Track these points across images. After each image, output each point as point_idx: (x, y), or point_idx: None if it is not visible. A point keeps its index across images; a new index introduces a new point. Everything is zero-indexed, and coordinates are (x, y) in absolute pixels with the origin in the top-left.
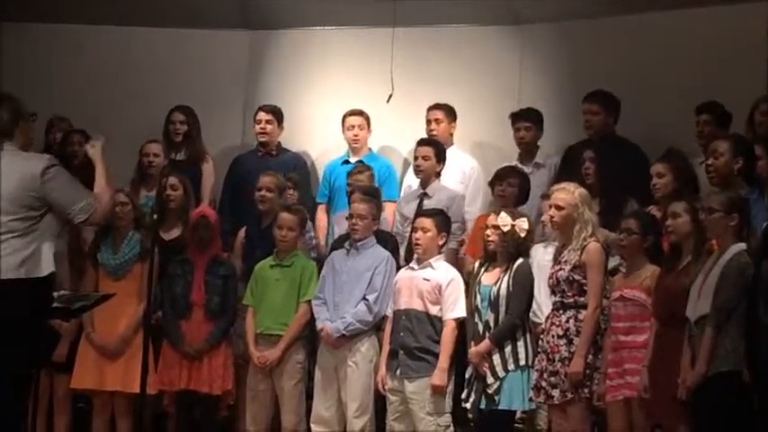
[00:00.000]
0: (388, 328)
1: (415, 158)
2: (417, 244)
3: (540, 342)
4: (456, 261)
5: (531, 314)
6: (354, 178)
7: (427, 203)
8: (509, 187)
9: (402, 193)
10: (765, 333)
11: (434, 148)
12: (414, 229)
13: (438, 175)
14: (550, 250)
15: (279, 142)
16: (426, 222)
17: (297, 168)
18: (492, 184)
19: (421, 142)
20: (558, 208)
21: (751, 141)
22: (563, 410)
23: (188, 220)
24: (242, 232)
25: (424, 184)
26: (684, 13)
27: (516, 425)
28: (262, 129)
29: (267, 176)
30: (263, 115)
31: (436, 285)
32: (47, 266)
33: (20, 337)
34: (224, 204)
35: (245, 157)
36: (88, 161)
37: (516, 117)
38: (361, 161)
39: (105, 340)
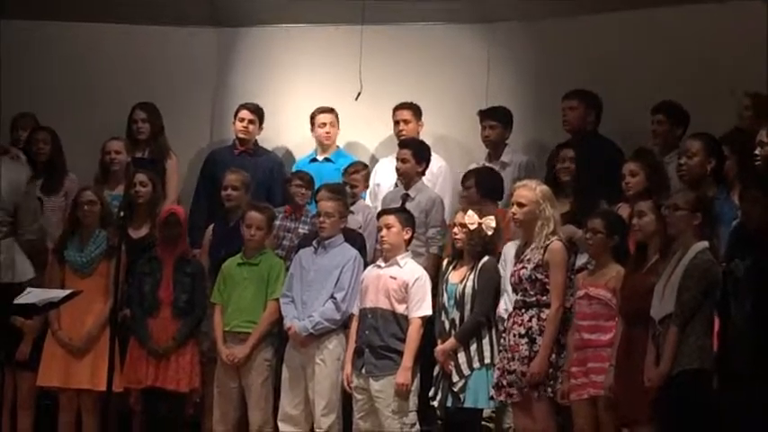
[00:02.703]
0: (354, 325)
1: (396, 161)
2: (384, 241)
3: (501, 340)
4: (438, 265)
5: (503, 311)
6: (351, 178)
7: (408, 205)
8: None
9: (369, 194)
10: (737, 331)
11: (412, 150)
12: (379, 228)
13: (420, 174)
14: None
15: (256, 140)
16: (390, 219)
17: (274, 167)
18: None
19: (400, 144)
20: (520, 205)
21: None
22: (526, 409)
23: (156, 217)
24: (210, 229)
25: (406, 186)
26: (652, 11)
27: (485, 423)
28: (244, 127)
29: (233, 174)
30: (246, 114)
31: (403, 284)
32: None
33: None
34: (198, 200)
35: (220, 153)
36: (53, 158)
37: (483, 115)
38: (328, 158)
39: (72, 338)
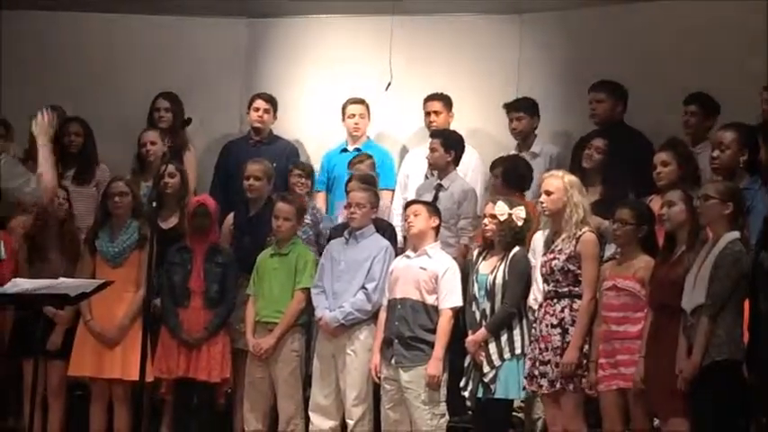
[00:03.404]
0: (382, 316)
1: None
2: (411, 226)
3: (532, 331)
4: (467, 255)
5: (532, 301)
6: (355, 167)
7: (442, 196)
8: None
9: (398, 185)
10: (766, 322)
11: (440, 139)
12: (406, 216)
13: (452, 164)
14: None
15: (270, 130)
16: (417, 207)
17: (289, 156)
18: None
19: (431, 135)
20: (548, 193)
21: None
22: (555, 400)
23: (185, 208)
24: (229, 219)
25: (439, 176)
26: (684, 2)
27: (514, 413)
28: (259, 117)
29: (255, 164)
30: (261, 103)
31: (433, 275)
32: None
33: None
34: (215, 191)
35: (236, 144)
36: (85, 149)
37: (509, 108)
38: (358, 149)
39: (104, 328)
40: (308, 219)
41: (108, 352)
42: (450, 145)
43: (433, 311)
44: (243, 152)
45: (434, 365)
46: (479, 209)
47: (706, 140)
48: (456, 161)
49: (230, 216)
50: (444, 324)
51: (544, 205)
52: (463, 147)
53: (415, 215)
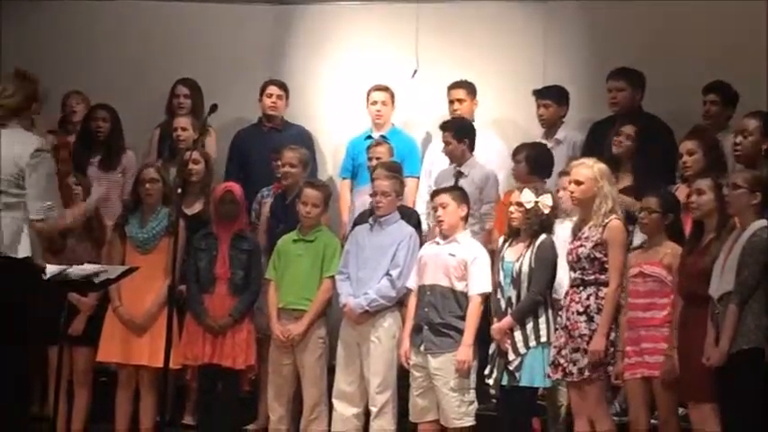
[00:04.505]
0: (412, 302)
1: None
2: (440, 221)
3: (558, 318)
4: (492, 242)
5: (554, 290)
6: (372, 151)
7: (462, 182)
8: None
9: (423, 173)
10: None
11: (451, 131)
12: (434, 208)
13: (468, 151)
14: (568, 225)
15: (282, 116)
16: (444, 198)
17: (304, 142)
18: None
19: (440, 128)
20: (578, 183)
21: None
22: (580, 387)
23: (209, 194)
24: (267, 207)
25: (458, 164)
26: None
27: (538, 401)
28: (273, 103)
29: (290, 151)
30: (274, 89)
31: (462, 261)
32: (23, 249)
33: None
34: (230, 179)
35: (247, 132)
36: (112, 136)
37: (537, 94)
38: (383, 136)
39: (133, 314)
40: None
41: (136, 338)
42: (461, 134)
43: (462, 298)
44: (256, 139)
45: (464, 352)
46: (502, 194)
47: (725, 129)
48: (471, 147)
49: (268, 205)
50: (474, 311)
51: (573, 194)
52: (474, 132)
53: (443, 207)
